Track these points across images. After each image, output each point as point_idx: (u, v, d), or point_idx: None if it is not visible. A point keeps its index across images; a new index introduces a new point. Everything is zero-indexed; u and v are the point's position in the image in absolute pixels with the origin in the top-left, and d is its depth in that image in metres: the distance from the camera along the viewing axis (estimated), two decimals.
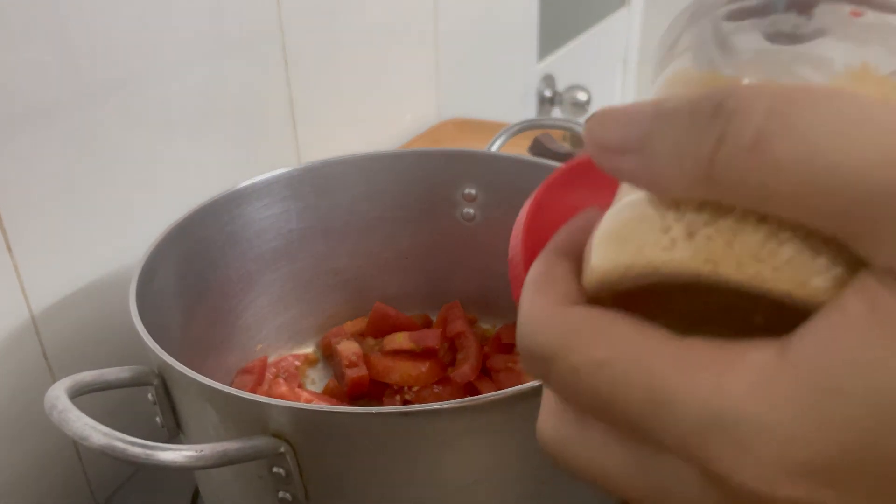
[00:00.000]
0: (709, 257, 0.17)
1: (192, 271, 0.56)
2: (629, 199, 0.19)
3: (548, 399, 0.20)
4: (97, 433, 0.35)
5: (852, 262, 0.16)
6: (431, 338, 0.60)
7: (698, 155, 0.16)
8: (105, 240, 0.58)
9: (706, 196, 0.17)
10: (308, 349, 0.66)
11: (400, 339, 0.60)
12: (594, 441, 0.18)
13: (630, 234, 0.18)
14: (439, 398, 0.58)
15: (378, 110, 0.91)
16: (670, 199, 0.18)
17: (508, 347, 0.62)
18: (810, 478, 0.14)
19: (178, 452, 0.36)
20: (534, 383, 0.38)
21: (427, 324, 0.66)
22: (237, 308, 0.61)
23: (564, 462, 0.19)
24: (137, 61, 0.57)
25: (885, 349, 0.15)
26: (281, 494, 0.39)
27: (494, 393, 0.37)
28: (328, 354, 0.65)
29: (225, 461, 0.36)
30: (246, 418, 0.39)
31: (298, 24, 0.73)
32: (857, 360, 0.15)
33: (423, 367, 0.59)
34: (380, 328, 0.64)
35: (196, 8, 0.62)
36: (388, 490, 0.40)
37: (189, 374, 0.39)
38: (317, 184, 0.62)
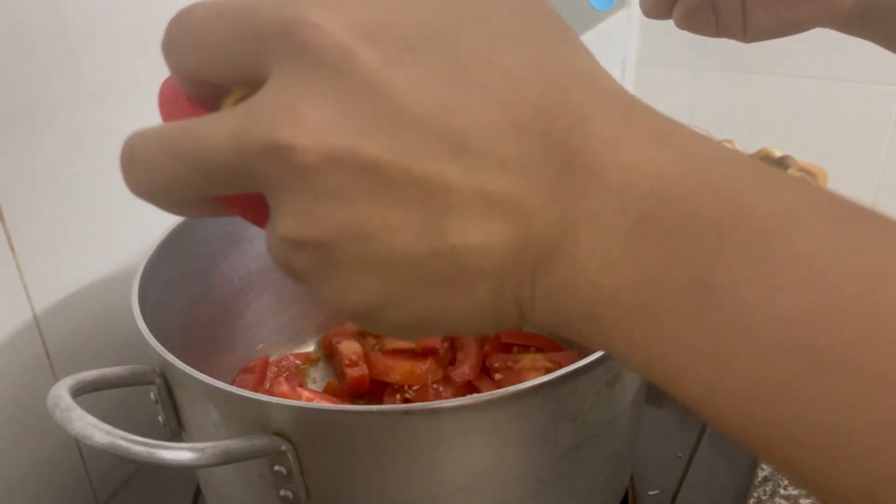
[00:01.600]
0: None
1: (194, 271, 0.56)
2: None
3: None
4: (100, 432, 0.36)
5: None
6: (431, 337, 0.60)
7: None
8: (107, 239, 0.58)
9: None
10: (309, 348, 0.66)
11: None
12: (185, 129, 0.24)
13: None
14: (439, 397, 0.58)
15: None
16: None
17: (508, 347, 0.62)
18: (368, 36, 0.22)
19: (179, 451, 0.36)
20: (533, 383, 0.38)
21: None
22: (238, 307, 0.61)
23: (148, 164, 0.25)
24: (137, 61, 0.57)
25: None
26: (282, 493, 0.40)
27: (494, 392, 0.37)
28: (329, 354, 0.65)
29: (226, 460, 0.37)
30: (247, 417, 0.39)
31: None
32: None
33: (424, 367, 0.59)
34: None
35: None
36: (389, 488, 0.40)
37: (191, 373, 0.39)
38: None
